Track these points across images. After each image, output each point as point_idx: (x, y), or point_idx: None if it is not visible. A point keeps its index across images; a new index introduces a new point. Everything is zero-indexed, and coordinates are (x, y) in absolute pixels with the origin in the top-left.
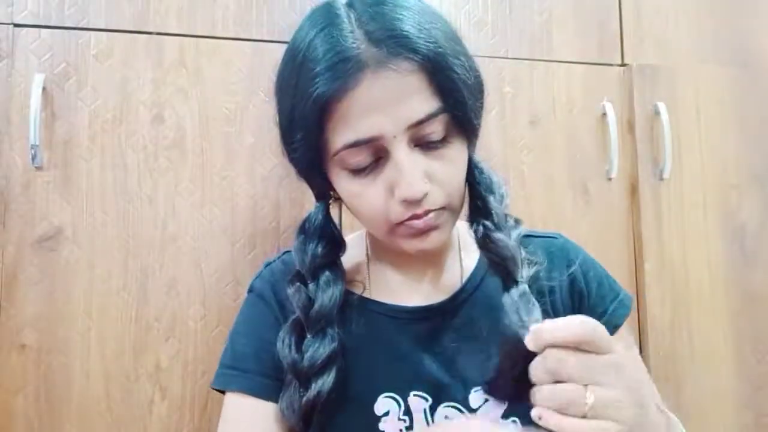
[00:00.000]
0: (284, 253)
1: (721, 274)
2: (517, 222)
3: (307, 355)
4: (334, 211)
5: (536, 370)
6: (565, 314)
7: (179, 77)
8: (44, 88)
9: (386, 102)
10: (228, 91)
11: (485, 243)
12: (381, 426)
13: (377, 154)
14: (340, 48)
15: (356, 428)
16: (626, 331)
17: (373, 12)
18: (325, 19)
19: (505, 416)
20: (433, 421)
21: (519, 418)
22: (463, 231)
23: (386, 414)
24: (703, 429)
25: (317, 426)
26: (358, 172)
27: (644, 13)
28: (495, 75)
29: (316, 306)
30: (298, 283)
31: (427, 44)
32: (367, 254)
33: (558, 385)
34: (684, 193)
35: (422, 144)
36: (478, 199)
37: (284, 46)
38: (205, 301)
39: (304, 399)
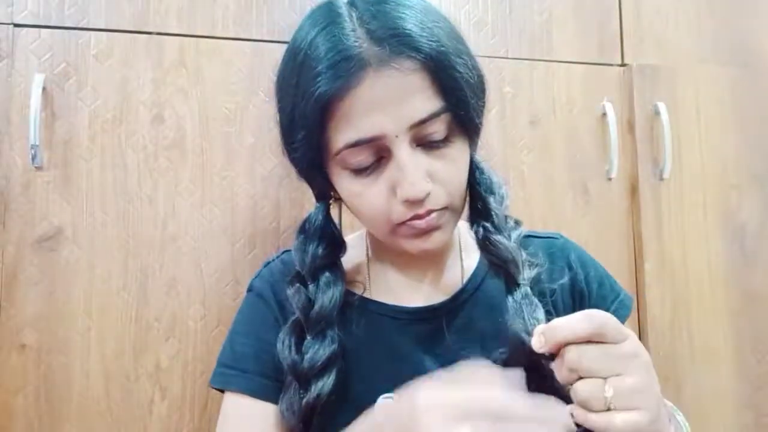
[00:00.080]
0: (283, 253)
1: (721, 274)
2: (517, 223)
3: (307, 357)
4: (334, 212)
5: (559, 370)
6: (565, 314)
7: (179, 77)
8: (44, 88)
9: (388, 101)
10: (228, 91)
11: (485, 245)
12: None
13: (379, 154)
14: (342, 47)
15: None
16: None
17: (375, 11)
18: (327, 17)
19: None
20: None
21: None
22: (464, 231)
23: None
24: (703, 429)
25: (317, 427)
26: (359, 171)
27: (644, 13)
28: (495, 75)
29: (316, 307)
30: (297, 284)
31: (430, 43)
32: (368, 254)
33: (576, 383)
34: (684, 193)
35: (424, 143)
36: (478, 199)
37: (284, 46)
38: (205, 301)
39: (304, 400)
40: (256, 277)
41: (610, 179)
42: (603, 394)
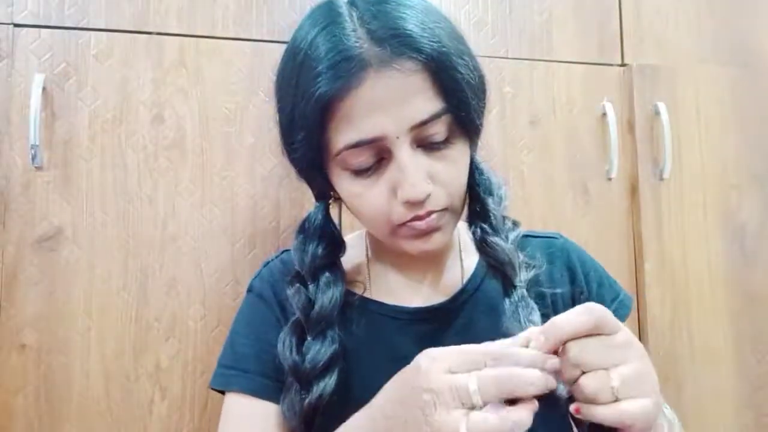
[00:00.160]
0: (283, 252)
1: (721, 274)
2: (515, 224)
3: (308, 357)
4: (333, 211)
5: (562, 367)
6: None
7: (179, 77)
8: (44, 88)
9: (389, 102)
10: (228, 91)
11: (482, 246)
12: None
13: (379, 155)
14: (343, 47)
15: None
16: None
17: (376, 11)
18: (327, 17)
19: None
20: None
21: None
22: (463, 232)
23: None
24: (703, 429)
25: (319, 427)
26: (359, 172)
27: (644, 13)
28: (495, 75)
29: (316, 308)
30: (297, 285)
31: (431, 43)
32: (368, 254)
33: (581, 378)
34: (684, 193)
35: (425, 145)
36: (476, 201)
37: (284, 46)
38: (205, 301)
39: (306, 401)
40: (255, 278)
41: (610, 179)
42: (609, 384)
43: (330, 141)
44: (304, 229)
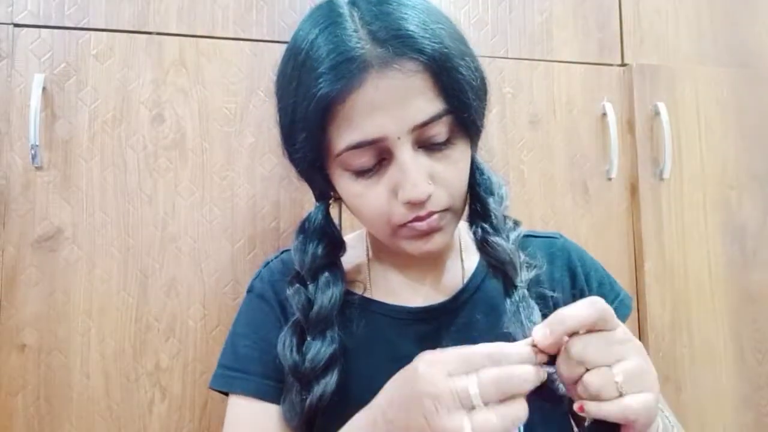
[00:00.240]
0: (283, 252)
1: (721, 274)
2: (516, 224)
3: (308, 357)
4: (333, 212)
5: (564, 365)
6: None
7: (179, 77)
8: (44, 88)
9: (391, 103)
10: (228, 91)
11: (483, 246)
12: None
13: (381, 156)
14: (344, 48)
15: None
16: None
17: (377, 11)
18: (328, 18)
19: None
20: None
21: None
22: (464, 232)
23: None
24: (703, 429)
25: (319, 428)
26: (360, 173)
27: (644, 13)
28: (495, 75)
29: (316, 307)
30: (297, 285)
31: (433, 44)
32: (368, 254)
33: (585, 376)
34: (684, 193)
35: (426, 145)
36: (477, 200)
37: (284, 46)
38: (205, 301)
39: (307, 402)
40: (256, 278)
41: (610, 179)
42: (613, 380)
43: (331, 142)
44: (304, 229)
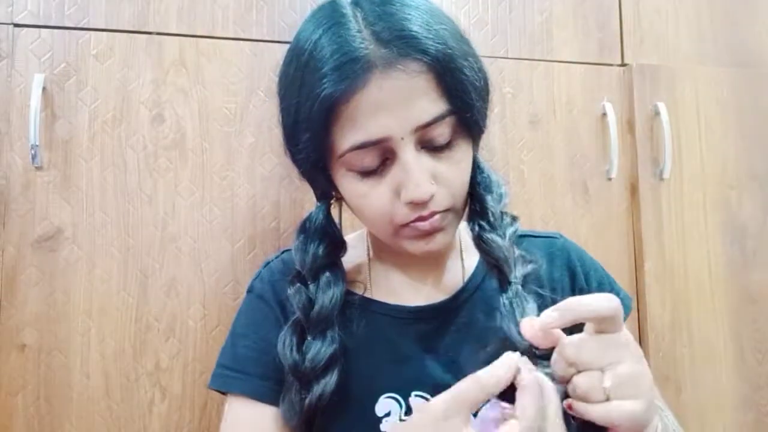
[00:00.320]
0: (283, 252)
1: (721, 274)
2: (514, 219)
3: (308, 357)
4: (334, 211)
5: (557, 364)
6: None
7: (179, 77)
8: (44, 88)
9: (394, 103)
10: (228, 91)
11: (479, 243)
12: (382, 427)
13: (384, 156)
14: (348, 48)
15: (358, 429)
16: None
17: (381, 11)
18: (331, 18)
19: None
20: None
21: None
22: (464, 231)
23: (387, 415)
24: (703, 429)
25: (318, 428)
26: (363, 173)
27: (644, 13)
28: (495, 75)
29: (317, 307)
30: (298, 284)
31: (436, 45)
32: (368, 254)
33: (575, 377)
34: (684, 193)
35: (429, 146)
36: (476, 198)
37: (284, 46)
38: (205, 301)
39: (306, 401)
40: (256, 278)
41: (610, 179)
42: (602, 385)
43: (334, 142)
44: (305, 229)
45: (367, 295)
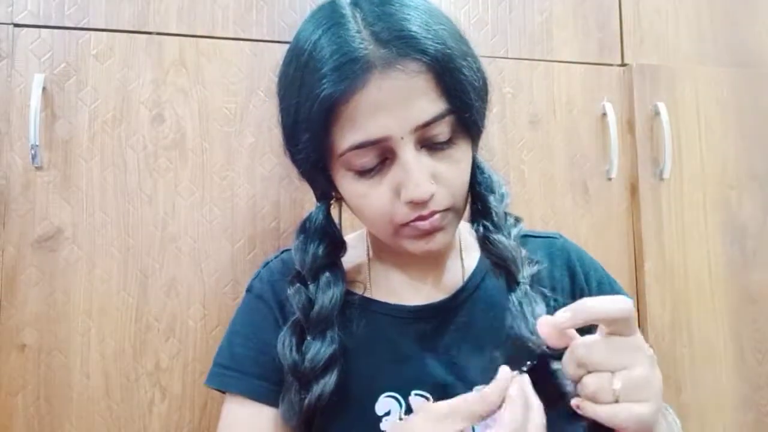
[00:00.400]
0: (283, 252)
1: (721, 274)
2: (518, 220)
3: (307, 357)
4: (334, 212)
5: (567, 366)
6: None
7: (179, 77)
8: (44, 88)
9: (394, 103)
10: (228, 91)
11: (485, 244)
12: (382, 426)
13: (383, 155)
14: (348, 48)
15: (357, 429)
16: None
17: (380, 12)
18: (331, 18)
19: None
20: None
21: None
22: (463, 231)
23: (387, 414)
24: (703, 429)
25: (318, 427)
26: (363, 173)
27: (644, 13)
28: (495, 75)
29: (316, 307)
30: (298, 284)
31: (435, 45)
32: (368, 254)
33: (585, 377)
34: (684, 193)
35: (428, 145)
36: (478, 199)
37: (284, 46)
38: (205, 301)
39: (306, 401)
40: (255, 278)
41: (610, 179)
42: (611, 386)
43: (334, 142)
44: (305, 229)
45: (367, 294)
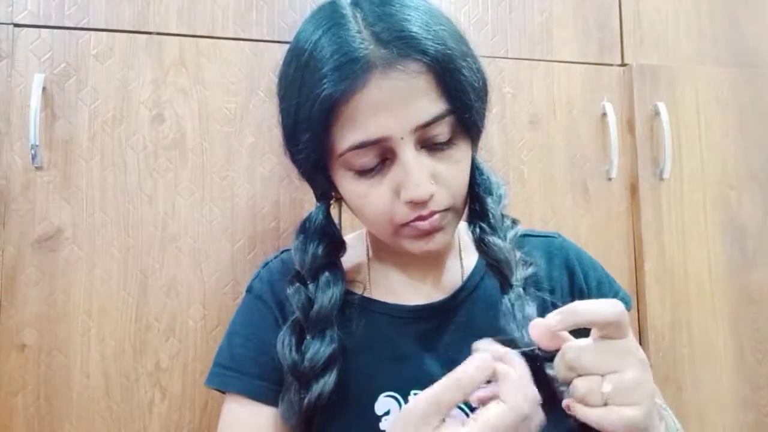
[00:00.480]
0: (283, 252)
1: (721, 274)
2: (515, 222)
3: (307, 357)
4: (333, 212)
5: (558, 368)
6: None
7: (179, 77)
8: (44, 88)
9: (394, 103)
10: (228, 91)
11: (481, 246)
12: (382, 426)
13: (383, 155)
14: (348, 49)
15: (357, 428)
16: None
17: (380, 12)
18: (331, 19)
19: None
20: None
21: None
22: (463, 231)
23: (387, 414)
24: (703, 429)
25: (318, 427)
26: (363, 173)
27: (644, 13)
28: (495, 75)
29: (316, 307)
30: (297, 284)
31: (435, 45)
32: (368, 254)
33: (575, 380)
34: (684, 193)
35: (428, 145)
36: (476, 200)
37: (284, 46)
38: (205, 301)
39: (305, 401)
40: (255, 278)
41: (610, 179)
42: (601, 390)
43: (334, 142)
44: (304, 229)
45: (367, 294)
